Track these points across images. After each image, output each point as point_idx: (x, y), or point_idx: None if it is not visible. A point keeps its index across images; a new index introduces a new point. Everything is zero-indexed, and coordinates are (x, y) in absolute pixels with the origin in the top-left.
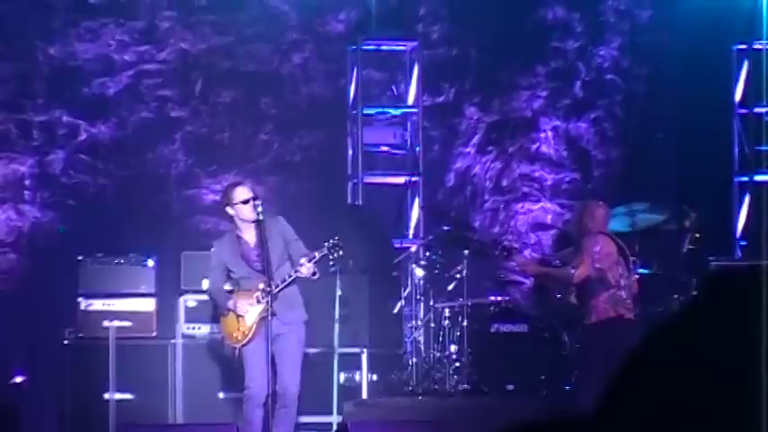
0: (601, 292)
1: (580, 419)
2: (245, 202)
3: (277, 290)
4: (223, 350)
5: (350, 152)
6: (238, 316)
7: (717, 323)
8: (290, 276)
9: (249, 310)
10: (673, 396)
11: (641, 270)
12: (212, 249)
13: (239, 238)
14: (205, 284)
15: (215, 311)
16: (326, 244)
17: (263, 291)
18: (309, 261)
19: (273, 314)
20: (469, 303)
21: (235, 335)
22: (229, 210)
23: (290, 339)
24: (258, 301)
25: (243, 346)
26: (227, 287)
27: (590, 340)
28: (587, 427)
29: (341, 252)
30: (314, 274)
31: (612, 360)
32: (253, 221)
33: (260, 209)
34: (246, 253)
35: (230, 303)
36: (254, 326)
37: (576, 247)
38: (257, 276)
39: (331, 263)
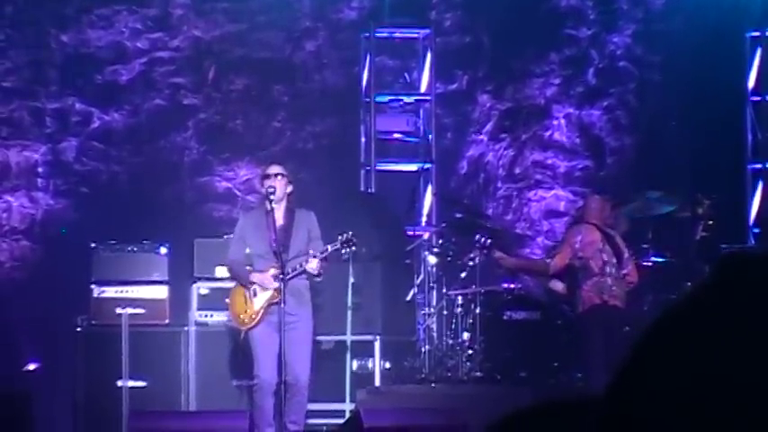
0: (584, 281)
1: (592, 401)
2: (266, 177)
3: (286, 277)
4: (235, 337)
5: (363, 139)
6: (247, 298)
7: (730, 308)
8: (300, 266)
9: (259, 294)
10: (684, 384)
11: (654, 258)
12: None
13: (268, 213)
14: (219, 271)
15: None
16: (340, 238)
17: (274, 276)
18: (321, 253)
19: (283, 302)
20: (482, 291)
21: (242, 317)
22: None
23: (298, 328)
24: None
25: (249, 329)
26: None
27: (581, 329)
28: (598, 412)
29: (353, 248)
30: (319, 275)
31: (607, 346)
32: (267, 200)
33: (272, 190)
34: (269, 230)
35: (253, 276)
36: (262, 310)
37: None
38: (271, 258)
39: (344, 256)
